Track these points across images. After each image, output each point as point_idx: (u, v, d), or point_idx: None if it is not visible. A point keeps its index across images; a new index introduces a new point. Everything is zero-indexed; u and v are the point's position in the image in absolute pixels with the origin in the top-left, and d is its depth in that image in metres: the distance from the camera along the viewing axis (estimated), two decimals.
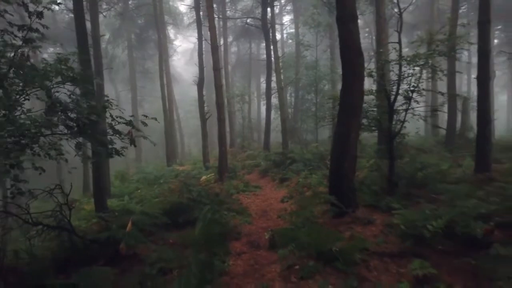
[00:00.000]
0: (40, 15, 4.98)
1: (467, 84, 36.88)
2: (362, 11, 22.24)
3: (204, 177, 13.23)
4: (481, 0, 10.01)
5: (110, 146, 6.06)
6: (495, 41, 33.60)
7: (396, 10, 9.72)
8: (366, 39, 33.69)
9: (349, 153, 6.32)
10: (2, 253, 4.96)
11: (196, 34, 34.15)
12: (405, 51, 7.92)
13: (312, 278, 4.04)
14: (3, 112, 4.19)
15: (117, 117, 5.48)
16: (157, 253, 5.57)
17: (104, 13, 15.62)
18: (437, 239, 4.44)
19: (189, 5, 20.84)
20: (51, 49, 20.91)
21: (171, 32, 31.01)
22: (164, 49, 21.09)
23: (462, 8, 24.44)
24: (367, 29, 30.88)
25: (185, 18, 29.07)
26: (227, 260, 4.99)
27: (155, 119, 6.00)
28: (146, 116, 5.68)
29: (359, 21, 6.85)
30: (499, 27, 30.65)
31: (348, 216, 6.08)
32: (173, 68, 28.90)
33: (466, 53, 27.74)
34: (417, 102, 8.06)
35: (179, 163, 21.84)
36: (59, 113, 5.40)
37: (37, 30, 5.07)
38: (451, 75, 17.99)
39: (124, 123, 5.48)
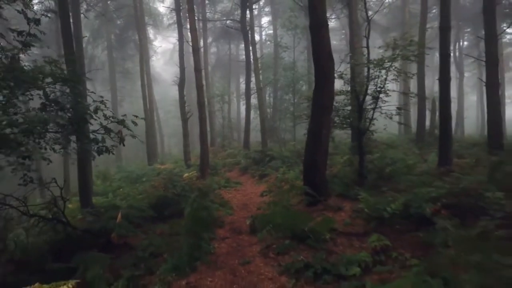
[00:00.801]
0: (37, 22, 5.37)
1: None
2: (338, 14, 23.29)
3: (186, 174, 13.66)
4: (442, 8, 11.01)
5: (100, 144, 6.49)
6: (465, 43, 35.16)
7: (368, 14, 10.49)
8: (343, 41, 34.92)
9: (321, 148, 7.02)
10: (2, 242, 5.32)
11: (175, 35, 34.39)
12: (380, 52, 8.67)
13: (287, 253, 4.68)
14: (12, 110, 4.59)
15: (109, 117, 5.92)
16: (148, 241, 6.06)
17: (85, 14, 15.73)
18: (395, 219, 5.18)
19: (170, 7, 21.13)
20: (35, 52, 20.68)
21: (150, 32, 31.08)
22: (145, 50, 21.31)
23: (433, 11, 25.68)
24: (343, 31, 32.00)
25: (164, 19, 29.23)
26: (212, 244, 5.56)
27: (144, 119, 6.47)
28: (137, 116, 6.15)
29: (336, 23, 7.56)
30: (469, 29, 32.15)
31: (321, 204, 6.76)
32: (152, 69, 28.97)
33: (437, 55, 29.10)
34: (384, 101, 8.86)
35: (160, 162, 22.09)
36: (53, 112, 5.81)
37: (35, 35, 5.45)
38: (420, 77, 19.25)
39: (116, 122, 5.92)
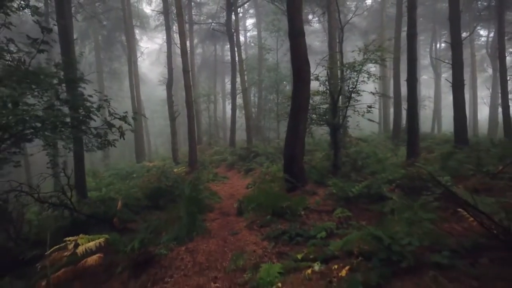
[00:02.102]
0: (49, 30, 6.17)
1: (418, 86, 40.39)
2: (320, 17, 24.44)
3: (176, 170, 14.46)
4: (409, 17, 12.21)
5: (103, 138, 7.32)
6: (443, 45, 36.82)
7: (349, 16, 11.51)
8: (325, 43, 36.12)
9: (299, 141, 8.04)
10: (20, 223, 6.09)
11: (161, 36, 35.00)
12: (353, 56, 9.73)
13: (269, 226, 5.66)
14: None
15: (113, 114, 6.75)
16: (147, 223, 6.90)
17: (75, 17, 16.30)
18: (358, 198, 6.23)
19: (159, 11, 21.81)
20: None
21: (136, 33, 31.56)
22: (133, 51, 21.93)
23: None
24: (326, 33, 33.21)
25: (151, 20, 29.82)
26: (204, 223, 6.47)
27: (144, 115, 7.33)
28: (136, 113, 7.01)
29: (319, 26, 8.48)
30: (445, 32, 33.67)
31: (299, 189, 7.76)
32: (138, 69, 29.48)
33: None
34: (357, 100, 9.95)
35: (148, 160, 22.74)
36: (59, 110, 6.60)
37: (47, 43, 6.23)
38: (396, 78, 20.62)
39: (118, 118, 6.77)
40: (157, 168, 17.18)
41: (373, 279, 3.30)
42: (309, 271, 3.78)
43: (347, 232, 4.75)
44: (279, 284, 3.61)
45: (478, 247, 3.72)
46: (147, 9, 30.42)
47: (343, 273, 3.55)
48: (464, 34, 18.23)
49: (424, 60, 42.10)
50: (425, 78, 46.29)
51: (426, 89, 47.33)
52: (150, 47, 36.15)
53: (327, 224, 5.12)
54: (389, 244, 3.59)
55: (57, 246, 3.83)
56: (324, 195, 7.20)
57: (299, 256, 4.28)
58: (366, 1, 33.75)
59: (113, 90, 29.50)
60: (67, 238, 3.88)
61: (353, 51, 10.44)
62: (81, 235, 3.97)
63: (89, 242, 3.83)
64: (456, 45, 13.36)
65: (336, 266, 3.79)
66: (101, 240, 3.97)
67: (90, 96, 6.63)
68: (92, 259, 3.78)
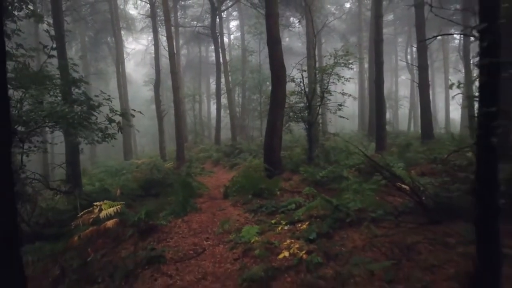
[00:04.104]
0: (61, 39, 7.15)
1: (395, 86, 42.50)
2: (300, 22, 25.78)
3: (166, 165, 15.44)
4: (375, 24, 13.62)
5: (104, 132, 8.32)
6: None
7: (329, 19, 12.68)
8: (305, 44, 37.59)
9: (277, 135, 9.26)
10: (34, 205, 7.04)
11: (146, 37, 35.67)
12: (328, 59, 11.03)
13: (250, 203, 6.85)
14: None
15: (114, 110, 7.78)
16: (145, 206, 7.95)
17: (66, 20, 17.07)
18: (324, 180, 7.47)
19: (146, 15, 22.69)
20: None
21: (122, 35, 32.18)
22: (120, 52, 22.72)
23: (384, 20, 28.66)
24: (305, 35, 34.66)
25: (136, 22, 30.53)
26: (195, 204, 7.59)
27: (140, 112, 8.40)
28: (134, 110, 8.06)
29: (300, 29, 9.57)
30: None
31: (276, 176, 8.94)
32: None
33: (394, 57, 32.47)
34: (329, 99, 11.23)
35: (136, 158, 23.53)
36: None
37: (55, 49, 7.21)
38: (372, 79, 22.12)
39: (119, 115, 7.80)
40: (146, 164, 18.10)
41: (324, 229, 4.52)
42: (279, 228, 4.98)
43: (312, 205, 5.96)
44: (256, 238, 4.77)
45: (406, 210, 4.99)
46: (133, 11, 31.11)
47: (304, 227, 4.76)
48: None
49: (401, 61, 44.11)
50: (403, 78, 48.18)
51: (404, 89, 49.23)
52: (136, 48, 36.76)
53: (297, 199, 6.34)
54: (337, 205, 4.82)
55: (86, 210, 4.90)
56: (298, 180, 8.43)
57: (273, 221, 5.47)
58: (346, 5, 35.37)
59: (99, 91, 29.98)
60: (94, 203, 4.94)
61: (325, 56, 11.73)
62: (105, 201, 5.05)
63: (110, 208, 4.92)
64: (421, 50, 14.87)
65: (299, 225, 5.00)
66: (118, 206, 5.07)
67: (97, 96, 7.64)
68: (110, 222, 4.85)
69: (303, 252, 3.93)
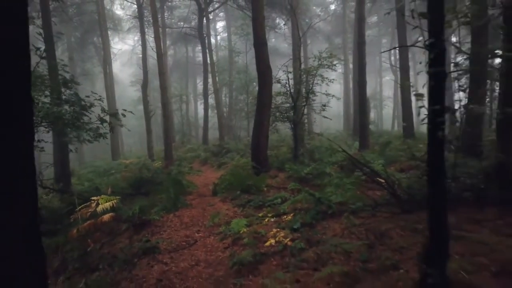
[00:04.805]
0: (52, 42, 7.35)
1: (380, 87, 43.55)
2: (285, 23, 26.26)
3: (154, 164, 15.62)
4: (358, 27, 14.13)
5: (96, 132, 8.54)
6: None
7: (314, 20, 13.12)
8: (291, 45, 38.13)
9: (263, 134, 9.63)
10: None
11: (132, 37, 35.57)
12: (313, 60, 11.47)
13: (238, 198, 7.21)
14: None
15: (106, 111, 8.02)
16: (139, 202, 8.20)
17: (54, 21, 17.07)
18: (308, 177, 7.88)
19: (134, 16, 22.74)
20: None
21: (108, 35, 32.05)
22: (107, 53, 22.71)
23: (368, 22, 29.41)
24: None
25: (123, 23, 30.46)
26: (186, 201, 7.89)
27: (131, 112, 8.64)
28: (125, 110, 8.30)
29: (285, 30, 9.91)
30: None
31: (263, 174, 9.32)
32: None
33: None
34: (314, 100, 11.67)
35: (124, 158, 23.55)
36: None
37: (48, 51, 7.40)
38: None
39: (110, 115, 8.03)
40: (135, 164, 18.22)
41: (308, 220, 4.92)
42: (266, 220, 5.35)
43: (297, 199, 6.35)
44: (245, 229, 5.12)
45: (383, 202, 5.42)
46: (119, 11, 31.02)
47: (289, 218, 5.15)
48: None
49: (385, 63, 45.14)
50: (387, 79, 49.25)
51: (388, 90, 50.25)
52: (122, 48, 36.62)
53: (282, 194, 6.72)
54: (320, 198, 5.22)
55: (84, 204, 5.17)
56: (284, 177, 8.83)
57: (260, 214, 5.84)
58: (330, 7, 36.03)
59: (86, 91, 29.82)
60: (92, 198, 5.22)
61: (309, 58, 12.18)
62: (102, 196, 5.33)
63: (106, 202, 5.20)
64: (403, 51, 15.49)
65: (285, 217, 5.38)
66: (114, 201, 5.36)
67: (88, 96, 7.86)
68: (106, 217, 5.12)
69: (288, 239, 4.32)
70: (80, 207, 5.15)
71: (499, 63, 6.76)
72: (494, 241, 3.35)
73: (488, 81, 8.32)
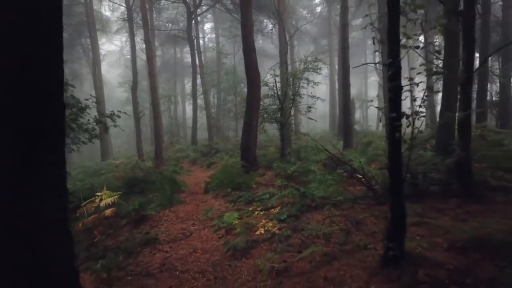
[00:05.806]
0: None
1: (365, 87, 44.65)
2: (273, 27, 26.87)
3: (146, 164, 15.96)
4: (342, 32, 14.79)
5: (92, 133, 8.92)
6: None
7: (301, 23, 13.61)
8: (278, 47, 38.84)
9: (252, 134, 10.16)
10: None
11: (121, 38, 35.62)
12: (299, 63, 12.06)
13: (229, 195, 7.72)
14: None
15: (101, 113, 8.40)
16: (137, 199, 8.60)
17: None
18: (295, 175, 8.44)
19: (123, 18, 22.92)
20: None
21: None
22: (96, 54, 22.86)
23: (352, 24, 30.23)
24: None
25: (111, 24, 30.55)
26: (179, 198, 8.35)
27: (125, 113, 9.04)
28: (120, 111, 8.69)
29: (273, 32, 10.37)
30: None
31: (252, 172, 9.84)
32: None
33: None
34: (299, 102, 12.26)
35: (113, 158, 23.71)
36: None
37: None
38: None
39: (107, 116, 8.43)
40: (125, 164, 18.46)
41: (293, 212, 5.47)
42: (256, 213, 5.88)
43: (284, 194, 6.90)
44: (237, 221, 5.64)
45: (362, 196, 6.02)
46: (107, 12, 31.05)
47: (276, 211, 5.69)
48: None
49: (370, 66, 46.19)
50: (372, 80, 50.38)
51: (374, 90, 51.34)
52: (110, 50, 36.61)
53: (270, 190, 7.26)
54: (304, 193, 5.78)
55: (89, 200, 5.60)
56: (272, 175, 9.38)
57: (250, 208, 6.37)
58: (317, 9, 36.77)
59: (75, 92, 29.78)
60: (96, 193, 5.65)
61: (296, 61, 12.77)
62: (104, 191, 5.76)
63: (108, 197, 5.64)
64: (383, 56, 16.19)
65: (273, 210, 5.92)
66: (116, 196, 5.80)
67: (86, 99, 8.24)
68: (108, 211, 5.56)
69: (276, 228, 4.86)
70: (85, 202, 5.58)
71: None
72: (450, 225, 3.95)
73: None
